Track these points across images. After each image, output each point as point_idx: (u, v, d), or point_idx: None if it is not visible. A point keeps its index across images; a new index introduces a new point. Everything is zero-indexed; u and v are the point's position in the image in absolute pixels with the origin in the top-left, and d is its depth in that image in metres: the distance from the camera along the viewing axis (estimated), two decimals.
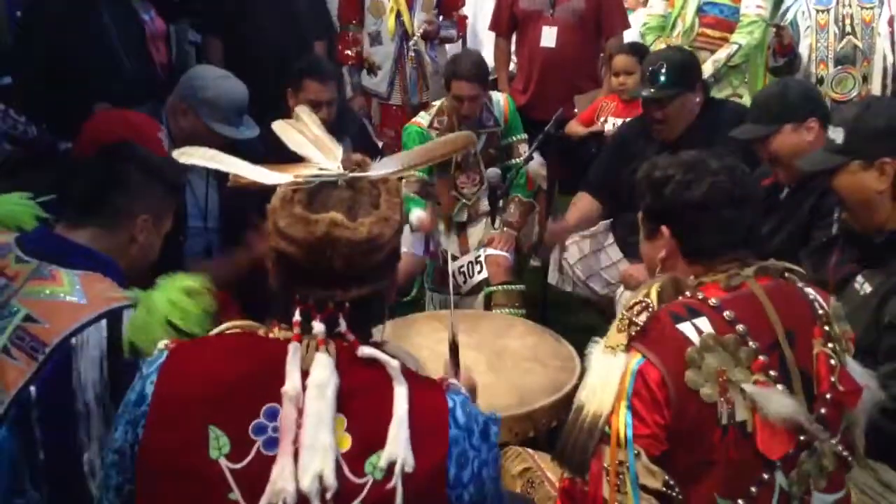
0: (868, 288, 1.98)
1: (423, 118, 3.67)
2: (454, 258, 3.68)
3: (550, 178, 3.71)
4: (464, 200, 3.73)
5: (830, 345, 1.59)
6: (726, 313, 1.53)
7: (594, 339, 1.57)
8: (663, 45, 4.23)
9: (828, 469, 1.55)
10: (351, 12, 4.51)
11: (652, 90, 3.11)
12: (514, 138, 3.75)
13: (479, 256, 3.56)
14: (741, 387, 1.48)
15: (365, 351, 1.21)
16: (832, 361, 1.57)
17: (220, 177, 2.90)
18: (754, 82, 4.62)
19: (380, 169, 1.27)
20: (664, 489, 1.46)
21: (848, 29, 3.92)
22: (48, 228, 1.83)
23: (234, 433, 1.17)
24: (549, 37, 4.34)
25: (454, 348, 1.75)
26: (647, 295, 1.54)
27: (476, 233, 3.76)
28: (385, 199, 1.23)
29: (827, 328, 1.60)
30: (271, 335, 1.25)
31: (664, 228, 1.67)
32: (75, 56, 3.29)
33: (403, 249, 1.32)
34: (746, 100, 4.20)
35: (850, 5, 3.93)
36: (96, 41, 3.35)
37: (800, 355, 1.56)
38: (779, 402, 1.49)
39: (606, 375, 1.49)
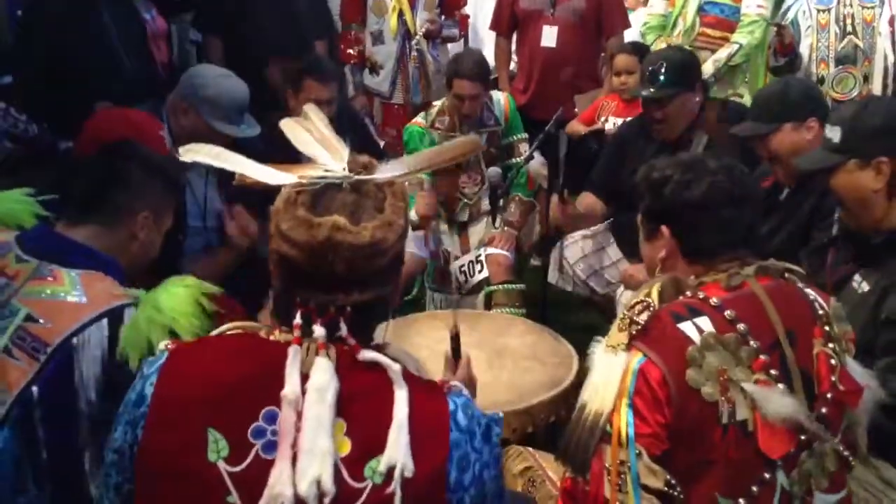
0: (866, 287, 1.98)
1: (423, 118, 3.67)
2: (455, 257, 3.68)
3: (551, 177, 3.70)
4: (465, 200, 3.74)
5: (831, 345, 1.59)
6: (727, 312, 1.53)
7: (596, 339, 1.57)
8: (664, 45, 4.23)
9: (829, 469, 1.56)
10: (353, 11, 4.51)
11: (652, 90, 3.12)
12: (515, 137, 3.75)
13: (479, 256, 3.56)
14: (742, 386, 1.48)
15: (366, 355, 1.20)
16: (832, 361, 1.58)
17: (220, 176, 2.91)
18: (755, 82, 4.62)
19: (386, 172, 1.26)
20: (665, 489, 1.46)
21: (849, 28, 3.93)
22: (48, 227, 1.83)
23: (232, 436, 1.16)
24: (549, 36, 4.34)
25: (455, 338, 1.74)
26: (648, 294, 1.54)
27: (477, 232, 3.77)
28: (390, 203, 1.22)
29: (827, 328, 1.60)
30: (272, 337, 1.24)
31: (664, 228, 1.67)
32: (76, 55, 3.29)
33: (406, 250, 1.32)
34: (747, 99, 4.20)
35: (851, 5, 3.93)
36: (96, 40, 3.35)
37: (800, 355, 1.56)
38: (779, 402, 1.49)
39: (608, 374, 1.50)
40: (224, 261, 2.71)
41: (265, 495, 1.13)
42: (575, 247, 3.54)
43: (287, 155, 1.36)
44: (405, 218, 1.24)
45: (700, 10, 4.28)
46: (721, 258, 1.63)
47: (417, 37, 4.47)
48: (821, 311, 1.61)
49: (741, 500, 1.49)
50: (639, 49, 4.01)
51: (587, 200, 3.45)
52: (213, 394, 1.18)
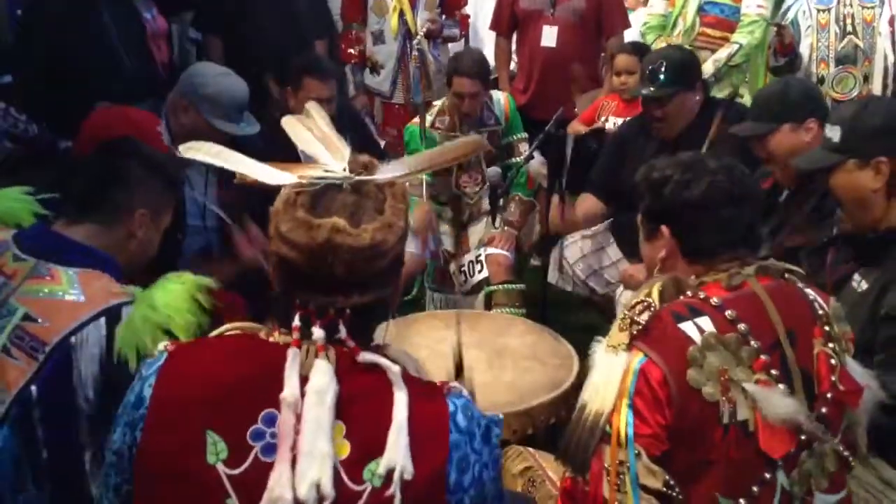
0: (865, 285, 1.98)
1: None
2: (455, 257, 3.68)
3: (550, 178, 3.70)
4: (466, 199, 3.74)
5: (831, 345, 1.59)
6: (728, 312, 1.53)
7: (597, 339, 1.57)
8: (664, 45, 4.23)
9: (829, 469, 1.56)
10: (354, 11, 4.51)
11: (651, 88, 3.11)
12: (515, 137, 3.75)
13: (479, 255, 3.56)
14: (743, 386, 1.48)
15: (366, 357, 1.20)
16: (832, 361, 1.58)
17: (220, 175, 2.91)
18: (755, 82, 4.63)
19: (386, 172, 1.25)
20: (664, 489, 1.46)
21: (849, 28, 3.93)
22: (46, 225, 1.83)
23: (231, 439, 1.16)
24: (549, 36, 4.34)
25: (458, 356, 1.73)
26: (649, 294, 1.54)
27: (477, 232, 3.76)
28: (390, 205, 1.21)
29: (827, 328, 1.60)
30: (271, 339, 1.24)
31: (664, 228, 1.67)
32: (76, 55, 3.29)
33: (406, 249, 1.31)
34: (747, 99, 4.20)
35: (851, 5, 3.93)
36: (96, 40, 3.34)
37: (800, 355, 1.56)
38: (779, 402, 1.49)
39: (608, 374, 1.49)
40: (227, 272, 2.70)
41: (265, 498, 1.13)
42: (575, 247, 3.54)
43: (287, 153, 1.36)
44: (405, 219, 1.23)
45: (700, 10, 4.28)
46: (721, 258, 1.63)
47: (418, 36, 4.47)
48: (821, 311, 1.61)
49: (742, 501, 1.49)
50: (639, 49, 4.00)
51: (587, 203, 3.45)
52: (211, 395, 1.18)
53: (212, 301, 1.70)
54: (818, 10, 3.96)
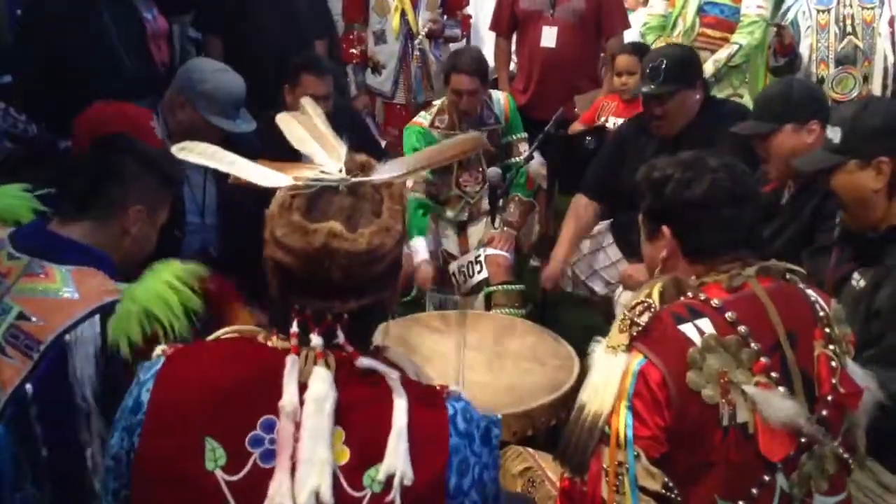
0: (863, 283, 1.99)
1: (423, 118, 3.67)
2: (455, 258, 3.68)
3: (550, 177, 3.71)
4: (466, 199, 3.74)
5: (831, 347, 1.58)
6: (728, 314, 1.52)
7: (596, 339, 1.57)
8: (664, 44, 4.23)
9: (829, 471, 1.55)
10: (356, 11, 4.51)
11: (652, 86, 3.11)
12: (515, 137, 3.75)
13: (479, 256, 3.56)
14: (743, 388, 1.48)
15: (364, 363, 1.18)
16: (833, 363, 1.57)
17: (219, 172, 2.90)
18: (755, 82, 4.63)
19: (384, 172, 1.23)
20: (663, 491, 1.46)
21: (849, 29, 3.93)
22: (42, 224, 1.82)
23: (230, 445, 1.15)
24: (549, 37, 4.34)
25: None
26: (649, 295, 1.54)
27: (476, 232, 3.76)
28: (387, 207, 1.19)
29: (828, 330, 1.59)
30: (269, 343, 1.22)
31: (665, 228, 1.67)
32: (75, 55, 3.28)
33: (404, 251, 1.30)
34: (747, 100, 4.20)
35: (850, 5, 3.93)
36: (96, 40, 3.34)
37: (801, 357, 1.55)
38: (779, 405, 1.48)
39: (607, 375, 1.49)
40: None
41: None
42: None
43: (284, 152, 1.35)
44: (403, 222, 1.21)
45: (700, 10, 4.28)
46: (722, 258, 1.63)
47: (420, 36, 4.47)
48: (821, 313, 1.61)
49: (741, 503, 1.49)
50: (640, 49, 4.00)
51: (578, 211, 3.44)
52: (209, 400, 1.17)
53: (200, 284, 1.69)
54: (818, 11, 3.96)
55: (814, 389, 1.55)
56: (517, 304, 3.40)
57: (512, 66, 4.78)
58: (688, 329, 1.50)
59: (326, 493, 1.11)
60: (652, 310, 1.51)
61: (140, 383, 1.21)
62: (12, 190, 1.91)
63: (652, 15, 4.52)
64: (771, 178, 2.59)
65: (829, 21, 3.95)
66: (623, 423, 1.46)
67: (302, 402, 1.14)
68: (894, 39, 3.93)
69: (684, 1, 4.30)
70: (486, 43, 4.97)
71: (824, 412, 1.55)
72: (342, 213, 1.18)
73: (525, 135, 3.76)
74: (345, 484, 1.13)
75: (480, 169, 3.67)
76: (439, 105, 3.68)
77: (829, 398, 1.56)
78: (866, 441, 1.66)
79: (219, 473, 1.14)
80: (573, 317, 3.71)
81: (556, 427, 2.37)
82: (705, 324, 1.51)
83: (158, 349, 1.26)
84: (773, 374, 1.50)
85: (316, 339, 1.17)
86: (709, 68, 4.16)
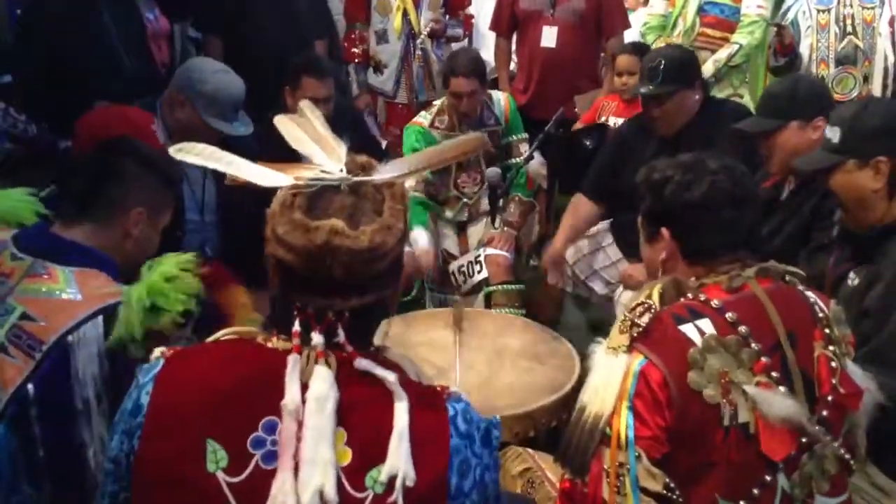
0: (857, 282, 1.99)
1: (423, 118, 3.67)
2: (455, 257, 3.68)
3: (550, 177, 3.71)
4: (465, 199, 3.74)
5: (831, 347, 1.58)
6: (728, 315, 1.52)
7: (597, 340, 1.57)
8: (664, 45, 4.23)
9: (830, 472, 1.55)
10: (357, 10, 4.51)
11: (650, 87, 3.11)
12: (515, 137, 3.74)
13: (478, 256, 3.56)
14: (743, 388, 1.48)
15: (362, 364, 1.18)
16: (833, 364, 1.57)
17: (219, 172, 2.89)
18: (755, 82, 4.63)
19: (385, 172, 1.23)
20: (664, 492, 1.46)
21: (849, 29, 3.93)
22: (45, 226, 1.82)
23: (231, 447, 1.15)
24: (549, 37, 4.34)
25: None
26: (650, 296, 1.54)
27: (476, 232, 3.76)
28: (389, 206, 1.20)
29: (827, 331, 1.59)
30: (269, 344, 1.22)
31: (664, 230, 1.67)
32: (75, 55, 3.29)
33: (406, 249, 1.30)
34: (747, 100, 4.20)
35: (851, 5, 3.93)
36: (96, 40, 3.34)
37: (801, 357, 1.55)
38: (780, 404, 1.48)
39: (608, 376, 1.49)
40: None
41: None
42: (574, 247, 3.54)
43: (284, 154, 1.35)
44: (404, 221, 1.21)
45: (700, 10, 4.28)
46: (722, 259, 1.63)
47: (422, 36, 4.47)
48: (821, 314, 1.61)
49: (742, 503, 1.49)
50: (640, 49, 4.00)
51: (578, 209, 3.44)
52: (210, 402, 1.16)
53: (197, 270, 1.69)
54: (818, 11, 3.96)
55: (814, 390, 1.55)
56: (517, 304, 3.40)
57: (512, 66, 4.78)
58: (688, 329, 1.50)
59: (331, 492, 1.11)
60: (652, 311, 1.51)
61: (139, 386, 1.21)
62: (15, 193, 1.91)
63: (652, 15, 4.52)
64: (773, 172, 2.59)
65: (829, 21, 3.95)
66: (624, 423, 1.46)
67: (303, 402, 1.14)
68: (894, 39, 3.93)
69: (684, 1, 4.30)
70: (488, 43, 4.97)
71: (824, 412, 1.55)
72: (344, 210, 1.18)
73: (525, 135, 3.75)
74: (347, 485, 1.13)
75: (479, 170, 3.67)
76: (439, 105, 3.68)
77: (830, 398, 1.56)
78: (866, 442, 1.66)
79: (220, 475, 1.13)
80: (573, 317, 3.71)
81: (557, 428, 2.37)
82: (706, 324, 1.51)
83: (157, 351, 1.25)
84: (774, 374, 1.51)
85: (317, 338, 1.17)
86: (709, 68, 4.16)
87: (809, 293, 1.64)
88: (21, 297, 1.66)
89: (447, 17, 4.57)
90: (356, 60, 4.55)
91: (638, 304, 1.53)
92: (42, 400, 1.60)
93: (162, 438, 1.16)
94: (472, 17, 4.84)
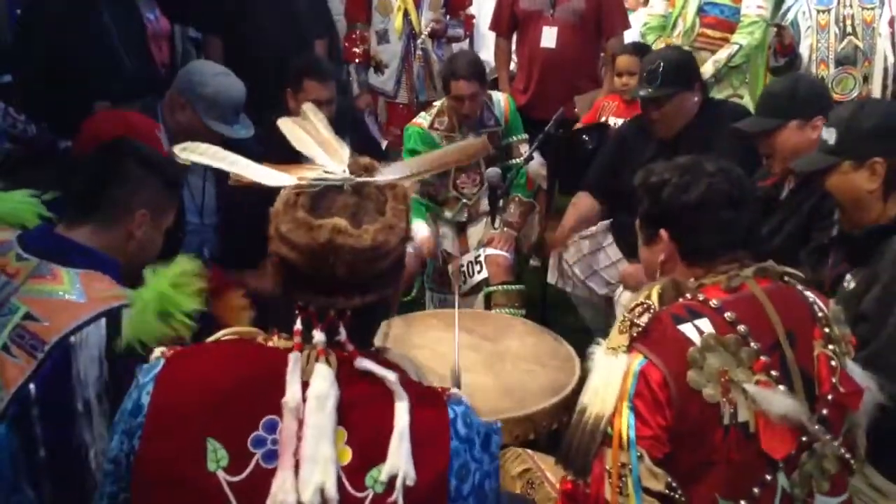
0: (853, 285, 1.99)
1: (423, 119, 3.67)
2: (454, 257, 3.68)
3: (550, 177, 3.71)
4: (464, 200, 3.74)
5: (831, 346, 1.59)
6: (727, 314, 1.53)
7: (597, 340, 1.57)
8: (663, 45, 4.23)
9: (830, 471, 1.55)
10: (358, 10, 4.51)
11: (649, 90, 3.12)
12: (515, 138, 3.74)
13: (478, 256, 3.56)
14: (743, 387, 1.48)
15: (363, 364, 1.18)
16: (833, 363, 1.57)
17: (218, 173, 2.90)
18: (755, 83, 4.63)
19: (388, 174, 1.24)
20: (667, 491, 1.46)
21: (849, 29, 3.93)
22: (49, 227, 1.83)
23: (232, 446, 1.15)
24: (549, 37, 4.34)
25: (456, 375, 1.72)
26: (649, 297, 1.54)
27: (476, 233, 3.76)
28: (391, 206, 1.20)
29: (827, 330, 1.60)
30: (270, 343, 1.23)
31: (663, 232, 1.68)
32: (75, 55, 3.29)
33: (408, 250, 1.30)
34: (747, 100, 4.20)
35: (850, 6, 3.93)
36: (96, 40, 3.35)
37: (800, 356, 1.56)
38: (780, 402, 1.49)
39: (608, 377, 1.49)
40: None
41: (268, 503, 1.12)
42: (574, 247, 3.54)
43: (286, 156, 1.35)
44: (406, 221, 1.22)
45: (700, 10, 4.28)
46: (720, 260, 1.63)
47: (422, 36, 4.47)
48: (820, 314, 1.61)
49: (742, 502, 1.49)
50: (640, 49, 4.00)
51: (581, 203, 3.45)
52: (210, 401, 1.17)
53: (201, 280, 1.69)
54: (818, 11, 3.97)
55: (814, 388, 1.55)
56: (517, 304, 3.40)
57: (512, 66, 4.78)
58: (687, 329, 1.50)
59: (332, 489, 1.11)
60: (651, 311, 1.52)
61: (139, 386, 1.21)
62: (17, 195, 1.91)
63: (652, 15, 4.52)
64: (774, 172, 2.59)
65: (829, 21, 3.95)
66: (625, 423, 1.46)
67: (304, 400, 1.14)
68: (894, 40, 3.93)
69: (684, 1, 4.30)
70: (488, 43, 4.97)
71: (824, 411, 1.55)
72: (347, 210, 1.19)
73: (525, 136, 3.75)
74: (347, 484, 1.13)
75: (479, 171, 3.67)
76: (439, 106, 3.68)
77: (830, 397, 1.56)
78: (866, 442, 1.67)
79: (221, 474, 1.14)
80: (573, 317, 3.71)
81: (558, 431, 2.37)
82: (704, 324, 1.51)
83: (157, 351, 1.25)
84: (773, 373, 1.51)
85: (318, 336, 1.17)
86: (709, 69, 4.16)
87: (808, 293, 1.64)
88: (25, 297, 1.66)
89: (448, 17, 4.57)
90: (357, 60, 4.55)
91: (637, 305, 1.54)
92: (43, 400, 1.60)
93: (162, 438, 1.16)
94: (472, 17, 4.84)
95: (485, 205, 3.76)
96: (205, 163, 1.26)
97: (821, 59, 3.96)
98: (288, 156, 1.33)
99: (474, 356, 2.61)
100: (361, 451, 1.15)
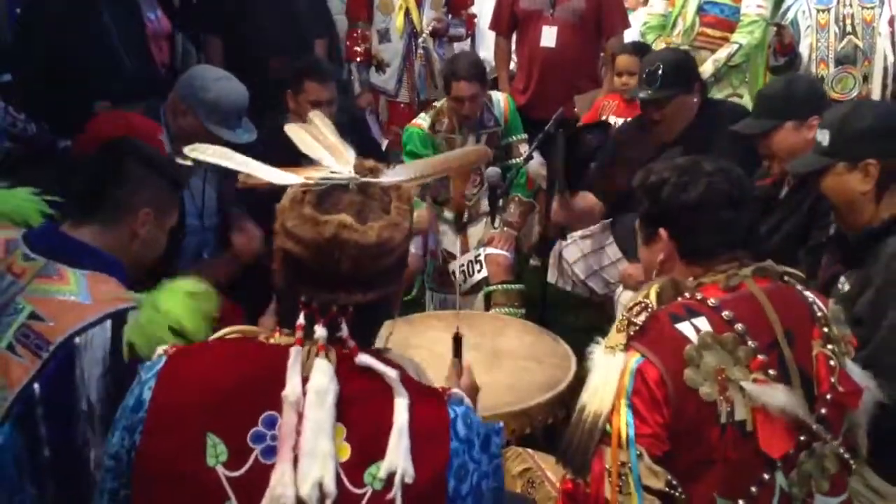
0: (847, 287, 2.00)
1: (423, 120, 3.67)
2: (454, 257, 3.68)
3: (550, 178, 3.71)
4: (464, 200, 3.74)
5: (830, 346, 1.59)
6: (725, 313, 1.53)
7: (596, 340, 1.58)
8: (663, 45, 4.24)
9: (829, 471, 1.56)
10: (360, 9, 4.51)
11: (649, 91, 3.12)
12: (515, 138, 3.75)
13: (478, 255, 3.56)
14: (741, 385, 1.48)
15: (363, 359, 1.19)
16: (832, 362, 1.58)
17: (219, 175, 2.91)
18: (755, 82, 4.63)
19: (392, 176, 1.26)
20: (667, 489, 1.46)
21: (848, 28, 3.93)
22: (54, 226, 1.83)
23: (231, 441, 1.15)
24: (549, 37, 4.34)
25: (458, 340, 1.73)
26: (647, 296, 1.55)
27: (476, 232, 3.77)
28: (396, 206, 1.22)
29: (826, 330, 1.60)
30: (272, 340, 1.24)
31: (662, 231, 1.68)
32: (75, 55, 3.30)
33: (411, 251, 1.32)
34: (747, 99, 4.20)
35: (850, 5, 3.94)
36: (96, 40, 3.35)
37: (799, 355, 1.56)
38: (780, 395, 1.49)
39: (606, 375, 1.50)
40: (224, 271, 2.71)
41: (266, 496, 1.13)
42: (574, 247, 3.54)
43: (287, 157, 1.36)
44: (410, 220, 1.24)
45: (700, 9, 4.28)
46: (719, 259, 1.64)
47: (424, 35, 4.47)
48: (819, 313, 1.61)
49: (740, 501, 1.50)
50: (640, 49, 4.00)
51: (588, 198, 3.45)
52: (211, 398, 1.17)
53: (214, 305, 1.71)
54: (818, 11, 3.97)
55: (812, 388, 1.56)
56: (517, 304, 3.41)
57: (512, 66, 4.78)
58: (685, 327, 1.51)
59: (330, 484, 1.12)
60: (649, 310, 1.53)
61: (142, 382, 1.22)
62: (21, 192, 1.91)
63: (652, 14, 4.52)
64: (773, 172, 2.60)
65: (828, 20, 3.95)
66: (624, 421, 1.47)
67: (304, 394, 1.15)
68: (894, 39, 3.93)
69: (684, 0, 4.30)
70: (488, 42, 4.97)
71: (823, 410, 1.55)
72: (352, 207, 1.20)
73: (525, 136, 3.76)
74: (346, 480, 1.14)
75: (479, 171, 3.67)
76: (439, 107, 3.68)
77: (829, 397, 1.56)
78: (867, 442, 1.67)
79: (220, 469, 1.14)
80: (572, 317, 3.72)
81: (554, 426, 2.38)
82: (702, 322, 1.52)
83: (160, 349, 1.26)
84: (771, 372, 1.51)
85: (320, 331, 1.18)
86: (708, 68, 4.17)
87: (808, 293, 1.65)
88: (31, 297, 1.66)
89: (449, 16, 4.57)
90: (358, 59, 4.55)
91: (635, 304, 1.54)
92: (48, 400, 1.60)
93: (163, 434, 1.17)
94: (474, 16, 4.84)
95: (485, 205, 3.76)
96: (214, 162, 1.27)
97: (820, 58, 3.97)
98: (290, 157, 1.34)
99: (473, 355, 2.61)
100: (360, 448, 1.15)
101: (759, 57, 4.55)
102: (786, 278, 1.66)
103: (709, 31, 4.30)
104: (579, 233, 3.56)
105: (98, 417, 1.62)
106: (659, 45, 4.24)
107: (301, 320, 1.19)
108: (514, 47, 4.68)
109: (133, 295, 1.70)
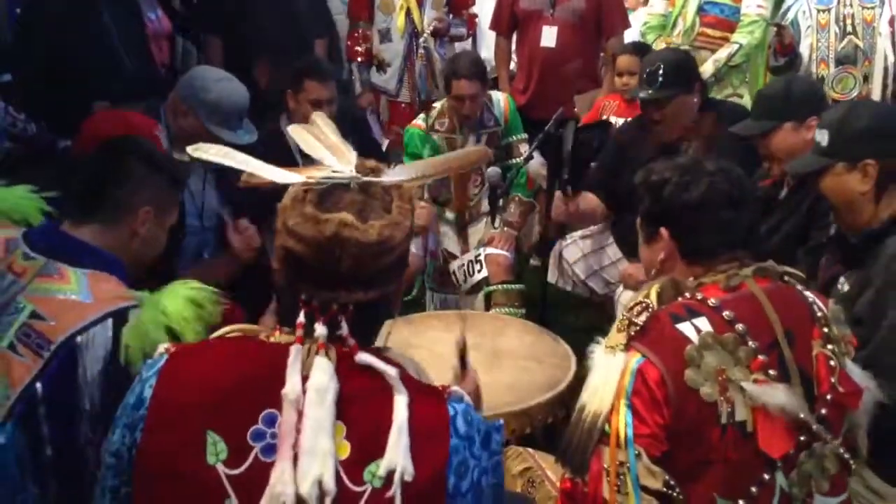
0: (846, 288, 2.00)
1: (423, 120, 3.68)
2: (455, 257, 3.68)
3: (550, 178, 3.71)
4: None
5: (830, 346, 1.59)
6: (725, 313, 1.53)
7: (596, 340, 1.58)
8: (664, 45, 4.24)
9: (829, 471, 1.56)
10: (361, 9, 4.52)
11: (650, 91, 3.12)
12: (515, 138, 3.75)
13: (479, 255, 3.56)
14: (741, 385, 1.49)
15: (362, 358, 1.19)
16: (832, 363, 1.58)
17: (219, 175, 2.92)
18: (755, 82, 4.63)
19: (393, 176, 1.26)
20: (665, 489, 1.47)
21: (849, 28, 3.93)
22: (55, 225, 1.83)
23: (231, 439, 1.16)
24: (549, 37, 4.34)
25: (463, 348, 1.74)
26: (647, 296, 1.55)
27: (476, 232, 3.77)
28: (397, 205, 1.22)
29: (826, 330, 1.60)
30: (272, 339, 1.24)
31: (663, 231, 1.68)
32: (75, 55, 3.30)
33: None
34: (747, 100, 4.20)
35: (851, 5, 3.94)
36: (96, 40, 3.35)
37: (799, 355, 1.56)
38: (780, 394, 1.49)
39: (606, 374, 1.50)
40: (224, 271, 2.71)
41: (266, 494, 1.13)
42: (574, 247, 3.54)
43: (286, 157, 1.36)
44: (411, 220, 1.25)
45: (700, 9, 4.28)
46: (720, 259, 1.64)
47: (425, 35, 4.47)
48: (819, 314, 1.62)
49: (740, 502, 1.50)
50: (641, 49, 4.01)
51: (589, 197, 3.45)
52: (211, 396, 1.18)
53: (217, 311, 1.71)
54: (818, 11, 3.97)
55: (813, 388, 1.56)
56: (517, 304, 3.41)
57: (511, 66, 4.78)
58: (685, 328, 1.51)
59: (330, 482, 1.12)
60: (649, 310, 1.53)
61: (143, 380, 1.22)
62: (20, 190, 1.91)
63: (652, 14, 4.52)
64: (773, 173, 2.60)
65: (829, 20, 3.95)
66: (623, 421, 1.47)
67: (304, 392, 1.15)
68: (895, 39, 3.93)
69: (684, 0, 4.31)
70: (488, 42, 4.98)
71: (823, 411, 1.55)
72: (354, 206, 1.21)
73: (525, 136, 3.76)
74: (345, 478, 1.14)
75: (479, 172, 3.67)
76: (439, 108, 3.68)
77: (829, 397, 1.56)
78: (867, 442, 1.67)
79: (220, 467, 1.15)
80: (572, 317, 3.72)
81: (554, 425, 2.38)
82: (703, 322, 1.52)
83: (161, 347, 1.27)
84: (772, 372, 1.51)
85: (320, 329, 1.18)
86: (709, 68, 4.17)
87: (808, 293, 1.65)
88: (31, 296, 1.66)
89: (450, 16, 4.57)
90: (359, 59, 4.55)
91: (636, 304, 1.54)
92: (50, 399, 1.60)
93: (164, 431, 1.18)
94: (475, 16, 4.84)
95: (485, 205, 3.76)
96: (217, 161, 1.28)
97: (821, 58, 3.97)
98: (289, 157, 1.34)
99: (473, 355, 2.60)
100: (360, 446, 1.16)
101: (760, 57, 4.55)
102: (786, 278, 1.66)
103: (709, 31, 4.30)
104: (579, 233, 3.56)
105: (100, 416, 1.62)
106: (659, 45, 4.24)
107: (301, 318, 1.20)
108: (514, 47, 4.68)
109: (134, 293, 1.70)
